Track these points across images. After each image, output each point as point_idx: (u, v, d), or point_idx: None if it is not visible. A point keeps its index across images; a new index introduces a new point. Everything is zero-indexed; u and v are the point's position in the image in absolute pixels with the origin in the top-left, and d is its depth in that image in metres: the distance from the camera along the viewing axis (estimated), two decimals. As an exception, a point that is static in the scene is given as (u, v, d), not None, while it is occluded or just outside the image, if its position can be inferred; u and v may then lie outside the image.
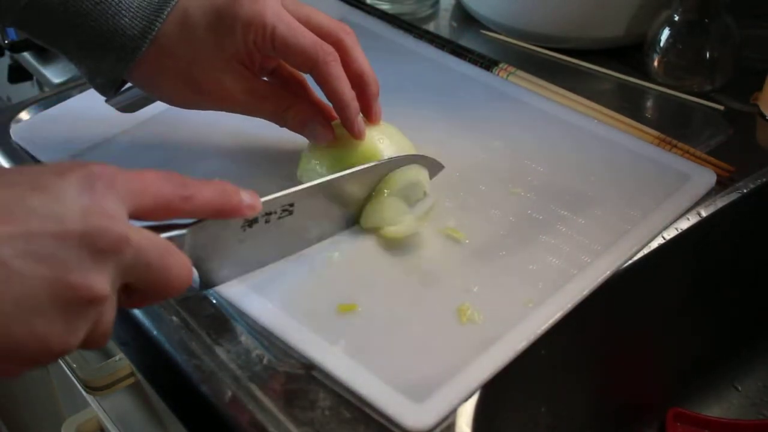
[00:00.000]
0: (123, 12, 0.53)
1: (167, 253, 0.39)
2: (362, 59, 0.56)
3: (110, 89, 0.57)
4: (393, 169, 0.55)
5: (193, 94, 0.56)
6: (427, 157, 0.57)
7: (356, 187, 0.54)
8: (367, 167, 0.54)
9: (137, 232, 0.38)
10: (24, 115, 0.69)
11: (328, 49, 0.53)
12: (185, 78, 0.55)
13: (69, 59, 0.57)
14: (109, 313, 0.38)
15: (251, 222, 0.48)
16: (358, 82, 0.55)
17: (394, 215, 0.55)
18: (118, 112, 0.61)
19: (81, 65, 0.57)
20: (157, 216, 0.40)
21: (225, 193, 0.43)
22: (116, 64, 0.55)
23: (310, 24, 0.54)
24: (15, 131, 0.66)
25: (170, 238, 0.43)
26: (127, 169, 0.39)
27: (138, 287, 0.39)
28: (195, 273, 0.47)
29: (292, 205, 0.50)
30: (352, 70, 0.55)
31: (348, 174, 0.53)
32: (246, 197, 0.44)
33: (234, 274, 0.50)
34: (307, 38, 0.53)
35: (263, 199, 0.47)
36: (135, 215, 0.39)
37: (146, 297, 0.41)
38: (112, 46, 0.54)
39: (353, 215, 0.56)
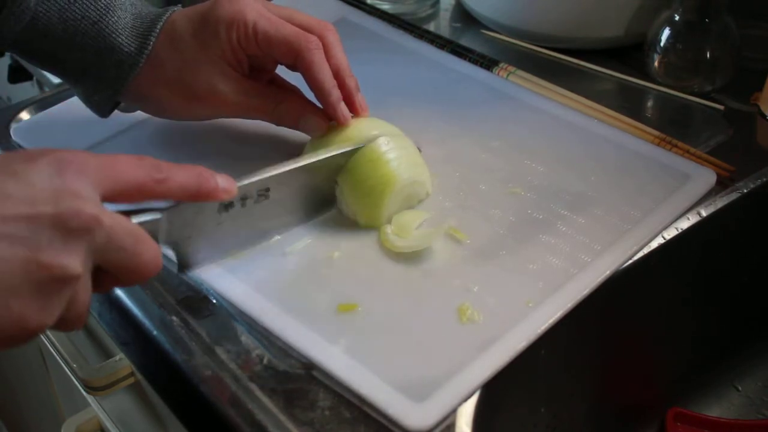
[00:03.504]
0: (120, 31, 0.55)
1: (139, 239, 0.40)
2: (341, 55, 0.57)
3: (106, 106, 0.58)
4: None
5: (187, 103, 0.57)
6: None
7: (331, 173, 0.55)
8: (339, 152, 0.54)
9: (110, 216, 0.39)
10: (24, 115, 0.69)
11: (311, 37, 0.55)
12: (178, 87, 0.56)
13: (65, 80, 0.59)
14: (83, 293, 0.39)
15: (227, 205, 0.49)
16: (335, 77, 0.56)
17: (395, 216, 0.56)
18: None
19: (78, 85, 0.58)
20: (131, 199, 0.42)
21: (200, 176, 0.44)
22: (115, 79, 0.56)
23: (292, 22, 0.55)
24: (15, 131, 0.66)
25: (145, 222, 0.44)
26: (98, 154, 0.40)
27: (109, 270, 0.40)
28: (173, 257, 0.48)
29: (267, 189, 0.51)
30: (330, 66, 0.56)
31: (318, 160, 0.54)
32: (222, 181, 0.45)
33: (213, 258, 0.52)
34: (288, 29, 0.54)
35: (239, 183, 0.48)
36: (109, 198, 0.40)
37: (116, 281, 0.42)
38: (110, 63, 0.56)
39: (330, 200, 0.56)
